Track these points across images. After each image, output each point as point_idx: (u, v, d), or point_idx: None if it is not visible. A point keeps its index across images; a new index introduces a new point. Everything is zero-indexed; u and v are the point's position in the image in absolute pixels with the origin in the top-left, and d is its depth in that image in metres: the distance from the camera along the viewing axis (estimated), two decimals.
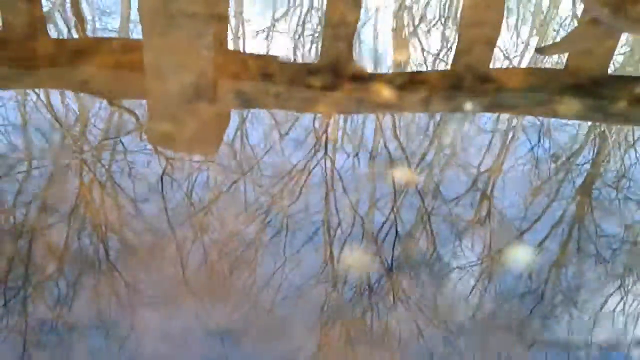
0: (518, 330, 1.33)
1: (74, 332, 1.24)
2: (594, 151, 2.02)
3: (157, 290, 1.34)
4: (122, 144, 1.82)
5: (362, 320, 1.33)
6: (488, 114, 2.13)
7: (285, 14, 2.90)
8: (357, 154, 1.86)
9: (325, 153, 1.85)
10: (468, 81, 2.27)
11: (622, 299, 1.44)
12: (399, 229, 1.58)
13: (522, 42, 2.77)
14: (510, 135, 2.05)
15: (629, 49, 2.73)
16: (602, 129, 2.11)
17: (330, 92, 2.12)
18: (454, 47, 2.59)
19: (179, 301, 1.32)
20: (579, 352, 1.30)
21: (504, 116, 2.12)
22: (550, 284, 1.46)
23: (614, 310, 1.40)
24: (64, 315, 1.27)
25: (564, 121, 2.10)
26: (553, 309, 1.39)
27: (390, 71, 2.35)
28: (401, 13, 2.99)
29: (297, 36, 2.68)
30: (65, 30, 2.54)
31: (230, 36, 2.49)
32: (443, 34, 2.85)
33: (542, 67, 2.53)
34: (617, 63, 2.54)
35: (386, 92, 2.13)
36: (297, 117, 2.03)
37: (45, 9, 2.60)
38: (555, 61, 2.57)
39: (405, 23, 2.92)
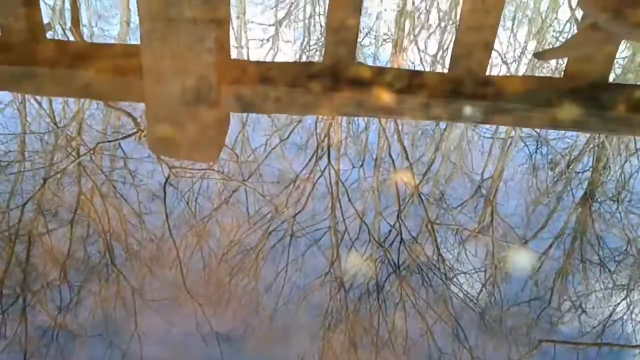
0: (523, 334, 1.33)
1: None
2: (593, 157, 2.02)
3: (161, 294, 1.34)
4: (122, 149, 1.83)
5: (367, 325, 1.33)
6: (487, 119, 2.13)
7: (286, 18, 2.90)
8: (356, 158, 1.87)
9: (325, 158, 1.86)
10: (467, 86, 2.27)
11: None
12: (403, 234, 1.58)
13: (522, 47, 2.77)
14: (508, 140, 2.05)
15: (628, 54, 2.74)
16: (601, 135, 2.12)
17: (329, 96, 2.12)
18: (453, 52, 2.60)
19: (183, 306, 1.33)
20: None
21: (503, 121, 2.12)
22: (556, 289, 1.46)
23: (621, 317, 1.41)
24: (66, 321, 1.27)
25: (562, 127, 2.10)
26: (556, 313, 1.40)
27: (390, 75, 2.35)
28: (401, 17, 3.00)
29: (297, 40, 2.69)
30: (65, 35, 2.54)
31: (230, 40, 2.50)
32: (442, 38, 2.85)
33: (541, 72, 2.54)
34: (616, 68, 2.55)
35: (386, 96, 2.14)
36: (298, 121, 2.04)
37: (45, 13, 2.60)
38: (554, 66, 2.58)
39: (405, 27, 2.93)
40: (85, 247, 1.46)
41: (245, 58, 2.49)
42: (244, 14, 2.86)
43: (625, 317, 1.42)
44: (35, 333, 1.24)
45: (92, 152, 1.79)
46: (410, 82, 2.28)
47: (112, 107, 2.03)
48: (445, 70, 2.49)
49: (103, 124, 1.97)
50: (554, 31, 2.99)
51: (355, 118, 2.09)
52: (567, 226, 1.68)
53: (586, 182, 1.89)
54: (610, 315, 1.41)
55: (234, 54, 2.48)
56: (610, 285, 1.49)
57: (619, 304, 1.45)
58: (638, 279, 1.52)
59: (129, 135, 1.90)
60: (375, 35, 2.75)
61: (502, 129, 2.11)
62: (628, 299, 1.46)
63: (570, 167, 1.94)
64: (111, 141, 1.86)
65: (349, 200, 1.69)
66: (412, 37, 2.83)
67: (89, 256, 1.44)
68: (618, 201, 1.79)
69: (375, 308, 1.37)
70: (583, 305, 1.43)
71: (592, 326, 1.38)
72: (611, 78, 2.43)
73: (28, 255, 1.42)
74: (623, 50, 2.68)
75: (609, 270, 1.53)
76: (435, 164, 1.89)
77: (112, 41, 2.53)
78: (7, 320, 1.26)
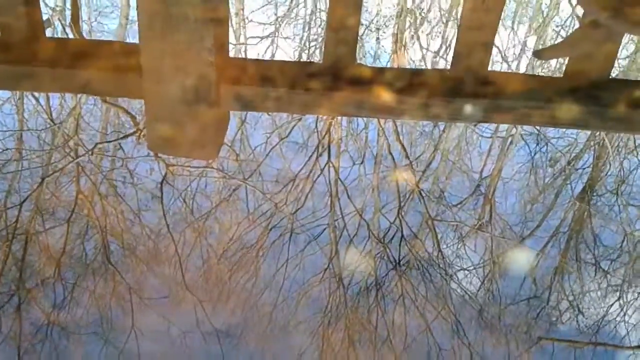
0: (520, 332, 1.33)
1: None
2: (593, 155, 2.02)
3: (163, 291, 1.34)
4: (122, 148, 1.83)
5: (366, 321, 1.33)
6: (487, 117, 2.13)
7: (286, 17, 2.90)
8: (356, 157, 1.87)
9: (325, 157, 1.86)
10: (467, 84, 2.27)
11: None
12: (404, 231, 1.58)
13: (522, 46, 2.77)
14: (509, 139, 2.05)
15: (629, 52, 2.73)
16: (601, 134, 2.11)
17: (329, 96, 2.12)
18: (453, 51, 2.59)
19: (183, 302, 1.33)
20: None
21: (503, 119, 2.12)
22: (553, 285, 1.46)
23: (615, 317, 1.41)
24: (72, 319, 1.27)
25: (562, 125, 2.10)
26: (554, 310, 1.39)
27: (390, 74, 2.35)
28: (401, 16, 3.00)
29: (297, 39, 2.69)
30: (65, 33, 2.54)
31: (230, 39, 2.50)
32: (442, 37, 2.85)
33: (542, 70, 2.53)
34: (617, 66, 2.54)
35: (386, 96, 2.13)
36: (298, 120, 2.04)
37: (45, 12, 2.60)
38: (554, 65, 2.57)
39: (405, 26, 2.92)
40: (90, 244, 1.46)
41: (245, 57, 2.49)
42: (243, 12, 2.86)
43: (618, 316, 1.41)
44: (32, 330, 1.24)
45: (90, 151, 1.79)
46: (411, 82, 2.28)
47: (111, 106, 2.03)
48: (446, 69, 2.48)
49: (102, 123, 1.97)
50: (554, 29, 2.99)
51: (355, 117, 2.09)
52: (569, 224, 1.68)
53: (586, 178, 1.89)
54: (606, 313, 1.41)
55: (233, 53, 2.48)
56: (610, 284, 1.49)
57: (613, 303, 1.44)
58: None
59: (128, 135, 1.90)
60: (375, 34, 2.75)
61: (502, 127, 2.11)
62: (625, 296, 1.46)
63: (571, 165, 1.94)
64: (111, 141, 1.86)
65: (348, 197, 1.69)
66: (412, 35, 2.83)
67: (93, 254, 1.44)
68: (617, 194, 1.79)
69: (379, 299, 1.37)
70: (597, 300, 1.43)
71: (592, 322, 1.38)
72: (611, 76, 2.43)
73: (24, 252, 1.42)
74: (623, 48, 2.68)
75: (617, 266, 1.53)
76: (435, 161, 1.89)
77: (111, 39, 2.53)
78: (3, 316, 1.26)
